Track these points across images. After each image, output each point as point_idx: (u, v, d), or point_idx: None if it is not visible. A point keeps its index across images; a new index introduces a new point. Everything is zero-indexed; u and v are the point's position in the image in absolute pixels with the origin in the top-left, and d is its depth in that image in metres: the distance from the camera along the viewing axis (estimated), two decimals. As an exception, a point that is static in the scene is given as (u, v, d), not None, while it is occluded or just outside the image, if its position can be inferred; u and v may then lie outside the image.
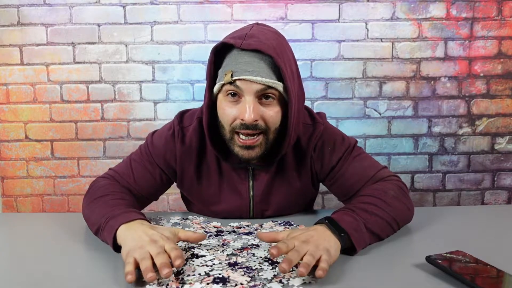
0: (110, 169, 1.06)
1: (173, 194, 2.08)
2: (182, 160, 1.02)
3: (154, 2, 1.97)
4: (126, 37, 1.99)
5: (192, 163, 1.02)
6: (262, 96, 0.89)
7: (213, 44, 0.94)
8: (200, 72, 2.00)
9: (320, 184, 1.12)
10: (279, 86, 0.89)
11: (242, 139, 0.90)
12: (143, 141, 1.09)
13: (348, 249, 0.81)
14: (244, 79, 0.87)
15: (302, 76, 1.00)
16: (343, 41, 2.00)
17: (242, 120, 0.88)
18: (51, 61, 2.00)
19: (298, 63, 0.99)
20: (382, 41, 2.01)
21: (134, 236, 0.77)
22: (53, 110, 2.02)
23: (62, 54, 1.99)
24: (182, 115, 1.06)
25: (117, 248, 0.80)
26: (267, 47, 0.87)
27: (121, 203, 0.90)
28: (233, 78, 0.87)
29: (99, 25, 1.98)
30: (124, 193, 0.98)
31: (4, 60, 1.99)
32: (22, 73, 2.00)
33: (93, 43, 1.99)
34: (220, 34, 2.00)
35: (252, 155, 0.91)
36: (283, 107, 0.92)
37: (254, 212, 1.05)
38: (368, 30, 2.00)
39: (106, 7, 1.97)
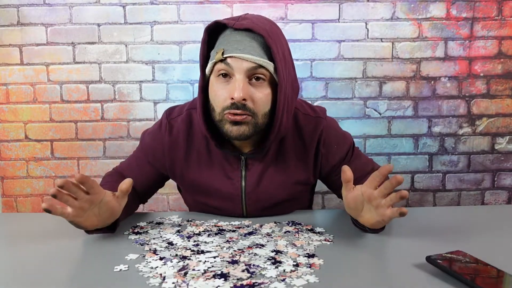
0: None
1: (173, 194, 2.08)
2: (170, 151, 1.05)
3: (154, 2, 1.97)
4: (126, 37, 1.99)
5: (181, 152, 1.04)
6: (253, 77, 0.90)
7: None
8: (200, 72, 2.00)
9: (320, 184, 1.13)
10: (270, 66, 0.89)
11: (231, 114, 0.90)
12: None
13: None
14: (235, 57, 0.88)
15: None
16: (343, 41, 2.00)
17: (232, 99, 0.88)
18: (51, 61, 2.00)
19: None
20: (382, 41, 2.01)
21: None
22: (53, 110, 2.02)
23: (62, 54, 1.99)
24: (170, 110, 1.09)
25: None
26: (259, 27, 0.89)
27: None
28: (224, 56, 0.88)
29: (99, 25, 1.98)
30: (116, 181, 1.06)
31: (4, 60, 1.99)
32: (22, 73, 2.00)
33: (93, 43, 1.99)
34: (220, 34, 2.01)
35: (240, 131, 0.91)
36: (273, 90, 0.93)
37: (246, 202, 1.04)
38: (368, 30, 2.00)
39: (106, 7, 1.97)
